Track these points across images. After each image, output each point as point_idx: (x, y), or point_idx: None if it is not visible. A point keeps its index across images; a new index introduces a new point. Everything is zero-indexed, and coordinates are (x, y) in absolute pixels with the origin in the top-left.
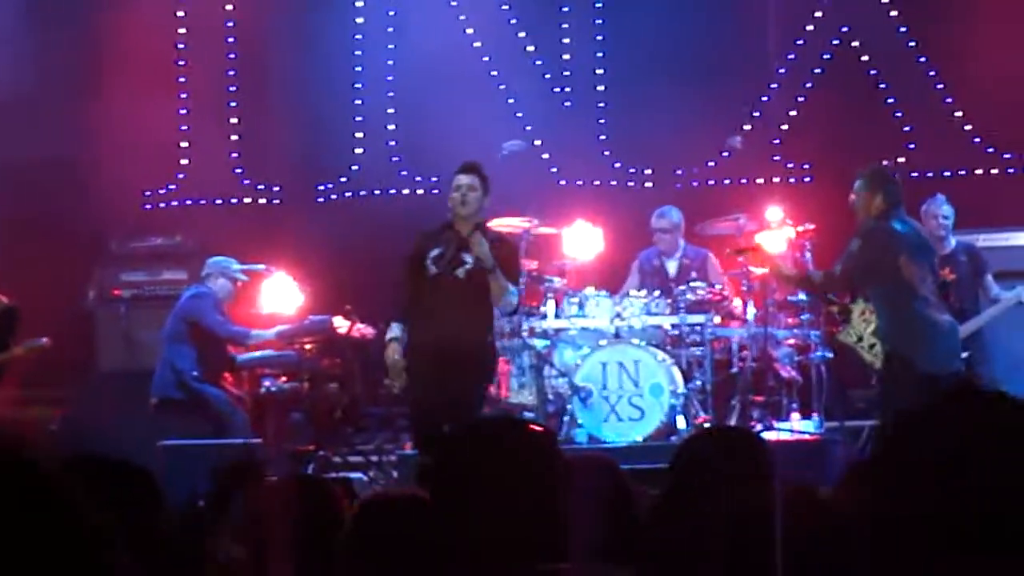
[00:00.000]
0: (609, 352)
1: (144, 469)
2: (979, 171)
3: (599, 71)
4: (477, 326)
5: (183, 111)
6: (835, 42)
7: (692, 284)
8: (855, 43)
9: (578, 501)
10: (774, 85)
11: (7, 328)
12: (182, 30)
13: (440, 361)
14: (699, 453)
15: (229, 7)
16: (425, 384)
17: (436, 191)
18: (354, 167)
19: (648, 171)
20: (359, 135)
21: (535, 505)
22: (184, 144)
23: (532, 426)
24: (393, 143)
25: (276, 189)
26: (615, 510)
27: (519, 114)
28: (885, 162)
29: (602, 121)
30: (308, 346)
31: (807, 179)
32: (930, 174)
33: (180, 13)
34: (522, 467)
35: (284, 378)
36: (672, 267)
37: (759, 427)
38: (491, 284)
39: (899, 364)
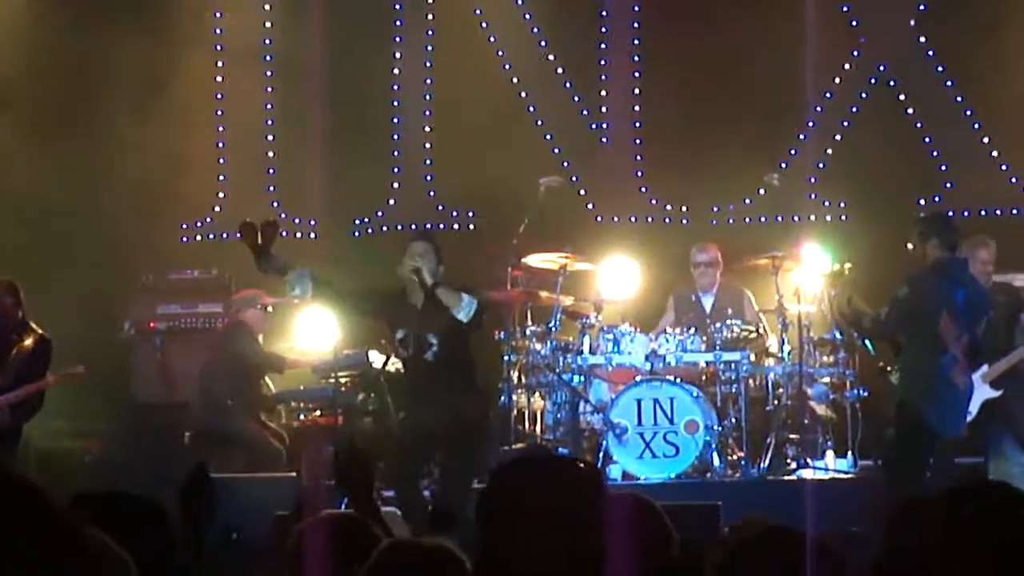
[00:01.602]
0: (644, 389)
1: (157, 505)
2: (1015, 210)
3: (636, 108)
4: (454, 406)
5: (220, 144)
6: (872, 81)
7: (728, 321)
8: (892, 82)
9: (616, 541)
10: (811, 123)
11: (44, 360)
12: (220, 63)
13: (427, 442)
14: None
15: (267, 41)
16: (411, 450)
17: (472, 227)
18: (390, 201)
19: (684, 208)
20: (395, 170)
21: (581, 541)
22: (221, 177)
23: (579, 463)
24: (429, 178)
25: (312, 223)
26: (654, 550)
27: (556, 150)
28: (922, 200)
29: (639, 158)
30: (343, 380)
31: (843, 217)
32: (966, 213)
33: (218, 46)
34: (569, 503)
35: (319, 412)
36: (708, 303)
37: (794, 465)
38: (443, 300)
39: (908, 413)
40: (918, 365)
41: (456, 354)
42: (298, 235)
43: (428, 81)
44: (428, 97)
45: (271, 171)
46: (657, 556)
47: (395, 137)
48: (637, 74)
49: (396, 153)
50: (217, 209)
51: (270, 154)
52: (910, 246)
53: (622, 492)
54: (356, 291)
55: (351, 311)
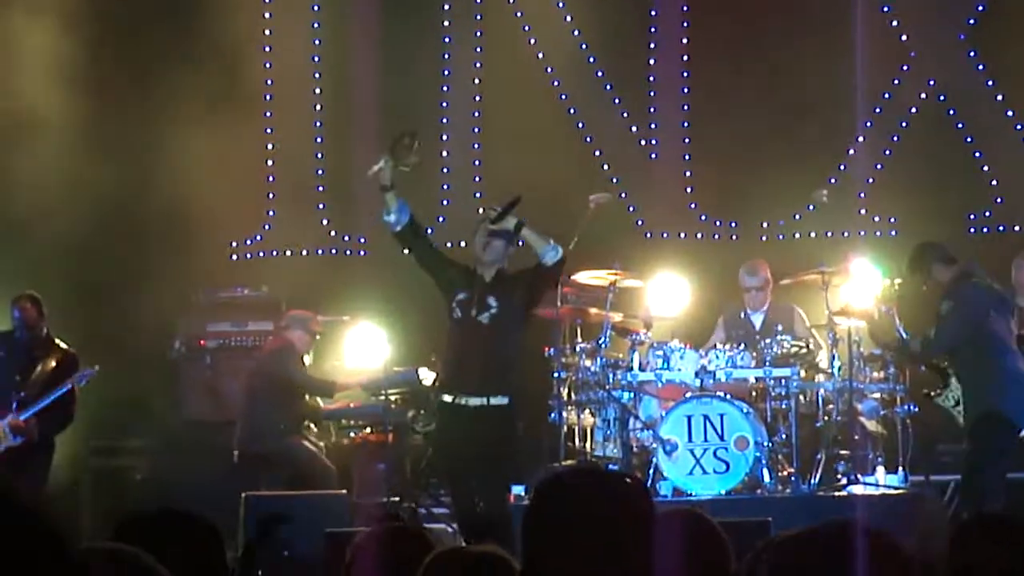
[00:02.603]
0: (694, 405)
1: (208, 523)
2: None
3: (685, 123)
4: (500, 375)
5: (270, 162)
6: (922, 96)
7: (779, 338)
8: (942, 97)
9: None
10: (861, 138)
11: (68, 374)
12: (269, 81)
13: (465, 421)
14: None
15: (316, 58)
16: (452, 433)
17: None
18: (440, 219)
19: (734, 224)
20: (445, 187)
21: (626, 556)
22: (270, 195)
23: (625, 477)
24: (479, 195)
25: (362, 240)
26: (710, 566)
27: (605, 166)
28: (972, 215)
29: (688, 174)
30: (393, 398)
31: (893, 233)
32: (1017, 228)
33: (267, 63)
34: (614, 517)
35: (369, 430)
36: (758, 320)
37: (844, 481)
38: (530, 240)
39: (985, 419)
40: (983, 369)
41: (510, 327)
42: (348, 252)
43: (477, 98)
44: (477, 114)
45: (321, 188)
46: (714, 572)
47: (444, 154)
48: (686, 90)
49: (445, 170)
50: (267, 227)
51: (319, 171)
52: (923, 288)
53: (679, 507)
54: (437, 250)
55: (428, 259)
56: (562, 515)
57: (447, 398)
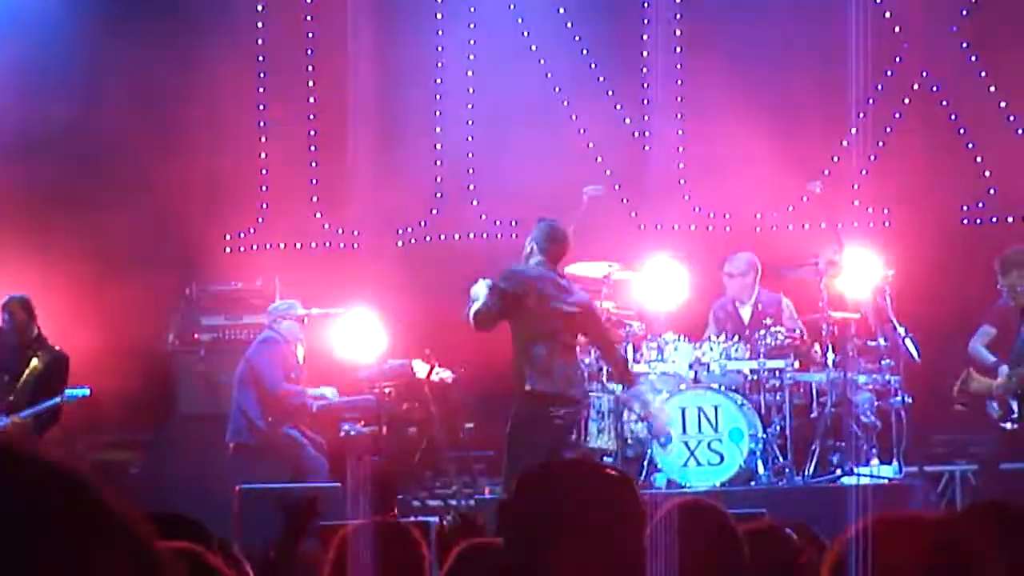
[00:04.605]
0: (688, 397)
1: (194, 519)
2: None
3: (679, 115)
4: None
5: (263, 155)
6: (915, 87)
7: (772, 329)
8: (935, 88)
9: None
10: (854, 130)
11: (58, 376)
12: (262, 74)
13: None
14: None
15: (309, 51)
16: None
17: (515, 235)
18: (434, 211)
19: (727, 215)
20: (438, 179)
21: (611, 550)
22: (264, 188)
23: (609, 470)
24: (473, 187)
25: (356, 233)
26: (722, 556)
27: (599, 158)
28: (965, 206)
29: (682, 165)
30: (387, 390)
31: (887, 223)
32: (1010, 219)
33: (261, 57)
34: (597, 511)
35: (363, 422)
36: (746, 313)
37: (838, 472)
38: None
39: None
40: None
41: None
42: (341, 245)
43: (471, 90)
44: (471, 106)
45: (314, 181)
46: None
47: (438, 147)
48: (679, 82)
49: (439, 163)
50: (260, 220)
51: (313, 164)
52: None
53: (692, 499)
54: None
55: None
56: (544, 507)
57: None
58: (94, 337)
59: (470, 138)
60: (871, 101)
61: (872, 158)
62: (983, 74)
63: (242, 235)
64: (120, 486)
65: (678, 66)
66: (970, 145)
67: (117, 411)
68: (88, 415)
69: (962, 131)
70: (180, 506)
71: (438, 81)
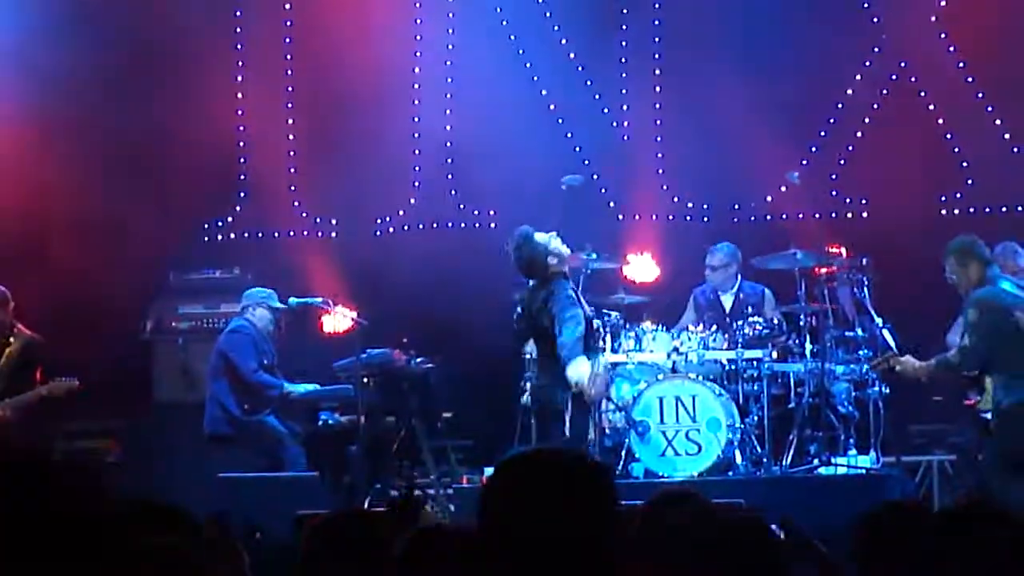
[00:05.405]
0: (666, 387)
1: (174, 507)
2: None
3: (657, 105)
4: None
5: (242, 143)
6: (893, 78)
7: (750, 319)
8: (913, 78)
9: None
10: (833, 120)
11: (34, 361)
12: (240, 63)
13: None
14: None
15: (288, 40)
16: None
17: (494, 225)
18: (412, 200)
19: (706, 205)
20: (417, 168)
21: (582, 539)
22: (242, 176)
23: (586, 458)
24: (451, 177)
25: (334, 222)
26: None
27: (577, 148)
28: (943, 197)
29: (660, 155)
30: (365, 379)
31: (864, 214)
32: (988, 210)
33: (238, 45)
34: (574, 499)
35: (340, 412)
36: (728, 302)
37: (816, 462)
38: None
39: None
40: (1017, 370)
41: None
42: (320, 234)
43: (449, 79)
44: (448, 95)
45: (292, 170)
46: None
47: (416, 135)
48: (657, 71)
49: (417, 152)
50: (238, 208)
51: (291, 153)
52: (950, 276)
53: (740, 514)
54: None
55: None
56: (516, 493)
57: None
58: (69, 323)
59: (448, 127)
60: (849, 91)
61: (850, 148)
62: (961, 64)
63: (220, 223)
64: (98, 475)
65: (656, 56)
66: (948, 135)
67: (93, 399)
68: (65, 403)
69: (940, 121)
70: (158, 495)
71: (416, 70)
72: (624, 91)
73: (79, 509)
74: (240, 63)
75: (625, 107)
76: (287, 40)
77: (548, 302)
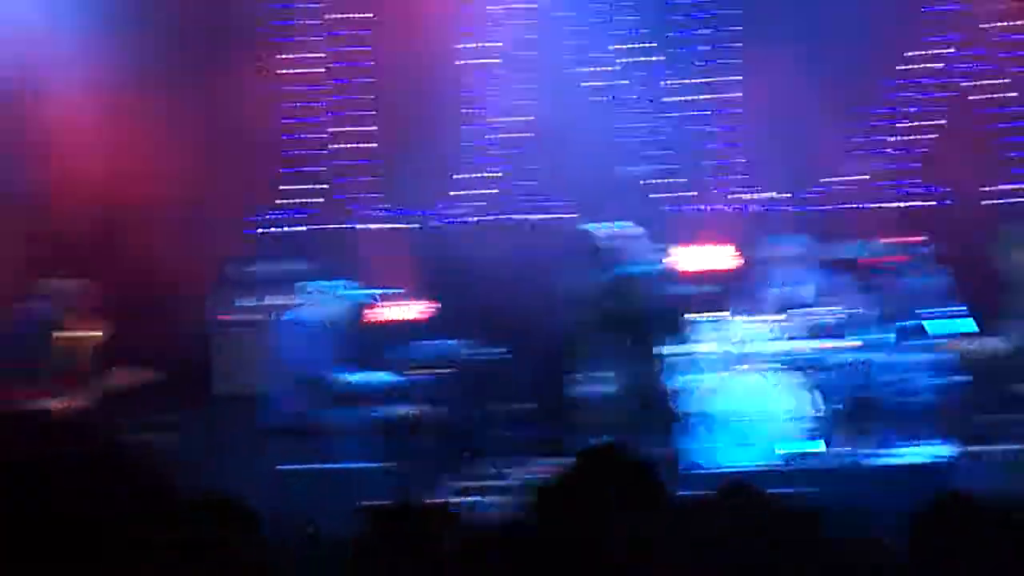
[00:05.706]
0: (741, 376)
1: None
2: None
3: (733, 95)
4: None
5: (320, 135)
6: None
7: (826, 308)
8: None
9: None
10: (913, 109)
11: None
12: (319, 52)
13: None
14: None
15: (367, 31)
16: None
17: (572, 215)
18: (484, 191)
19: (784, 195)
20: (493, 158)
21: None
22: (318, 168)
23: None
24: (528, 167)
25: (399, 214)
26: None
27: (654, 139)
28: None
29: (738, 145)
30: (436, 371)
31: (943, 202)
32: None
33: (317, 34)
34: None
35: (409, 403)
36: (804, 292)
37: (895, 451)
38: None
39: None
40: None
41: None
42: (390, 225)
43: (530, 71)
44: (529, 86)
45: (366, 161)
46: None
47: (494, 125)
48: (734, 61)
49: (493, 140)
50: (308, 200)
51: (365, 144)
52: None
53: (739, 480)
54: None
55: None
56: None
57: None
58: (128, 318)
59: (531, 118)
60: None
61: (930, 136)
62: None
63: (279, 215)
64: (160, 467)
65: (733, 44)
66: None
67: (154, 392)
68: (133, 395)
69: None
70: (218, 488)
71: (498, 60)
72: (699, 81)
73: (80, 509)
74: (319, 53)
75: (701, 97)
76: (367, 31)
77: (628, 294)
